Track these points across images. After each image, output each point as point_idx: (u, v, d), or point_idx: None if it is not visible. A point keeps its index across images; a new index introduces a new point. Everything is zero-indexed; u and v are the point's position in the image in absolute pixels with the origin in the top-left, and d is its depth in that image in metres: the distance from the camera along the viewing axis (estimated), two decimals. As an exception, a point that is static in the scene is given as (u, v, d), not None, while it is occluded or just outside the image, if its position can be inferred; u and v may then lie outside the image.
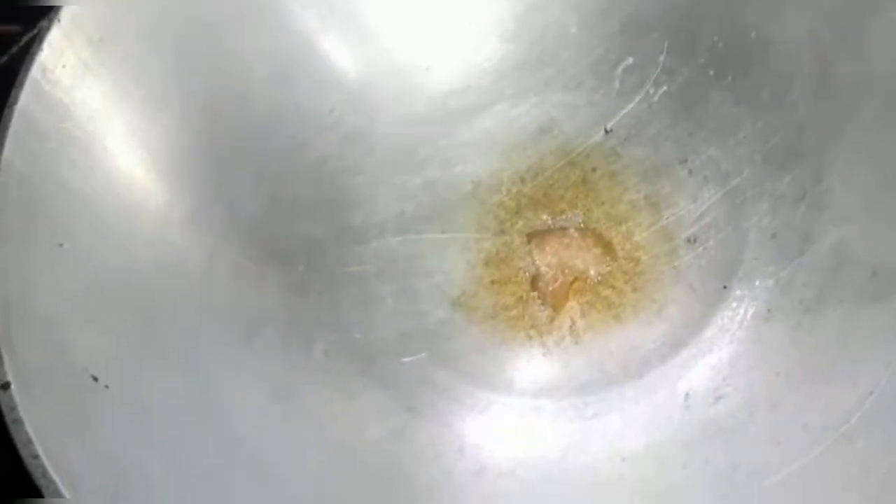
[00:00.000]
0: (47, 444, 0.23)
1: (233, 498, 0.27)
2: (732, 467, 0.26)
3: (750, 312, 0.31)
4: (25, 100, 0.28)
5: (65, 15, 0.30)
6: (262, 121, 0.38)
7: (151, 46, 0.33)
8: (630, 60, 0.38)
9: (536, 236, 0.37)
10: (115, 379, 0.27)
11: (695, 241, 0.34)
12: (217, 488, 0.27)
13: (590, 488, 0.28)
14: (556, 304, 0.35)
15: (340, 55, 0.39)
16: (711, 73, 0.36)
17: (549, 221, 0.37)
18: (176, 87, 0.35)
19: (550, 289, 0.36)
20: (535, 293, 0.35)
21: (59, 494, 0.22)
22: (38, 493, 0.22)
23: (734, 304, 0.32)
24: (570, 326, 0.34)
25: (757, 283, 0.32)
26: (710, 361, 0.31)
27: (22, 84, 0.29)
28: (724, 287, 0.32)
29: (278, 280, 0.35)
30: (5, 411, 0.23)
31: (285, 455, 0.29)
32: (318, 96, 0.38)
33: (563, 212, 0.37)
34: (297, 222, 0.37)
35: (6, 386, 0.24)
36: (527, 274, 0.36)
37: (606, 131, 0.38)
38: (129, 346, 0.29)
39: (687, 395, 0.30)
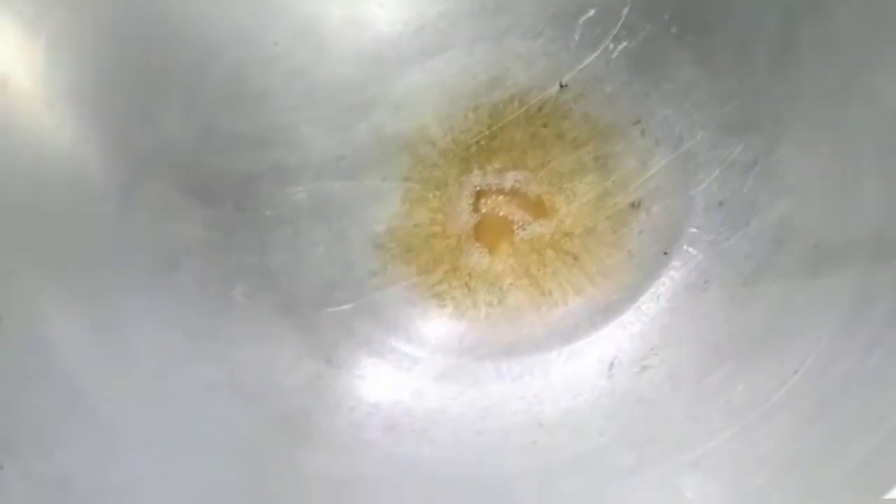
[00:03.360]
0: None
1: (136, 436, 0.26)
2: (647, 440, 0.25)
3: (687, 282, 0.30)
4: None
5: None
6: (198, 50, 0.35)
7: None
8: (592, 12, 0.36)
9: (479, 190, 0.35)
10: (12, 310, 0.25)
11: (639, 205, 0.33)
12: (120, 427, 0.26)
13: (500, 453, 0.27)
14: (492, 261, 0.34)
15: (287, -15, 0.37)
16: (674, 31, 0.35)
17: (495, 176, 0.35)
18: (104, 14, 0.32)
19: (488, 246, 0.34)
20: (472, 249, 0.34)
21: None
22: None
23: (672, 273, 0.30)
24: (503, 286, 0.33)
25: (698, 252, 0.31)
26: (640, 330, 0.29)
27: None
28: (665, 253, 0.30)
29: (204, 215, 0.33)
30: None
31: (194, 395, 0.28)
32: (261, 27, 0.36)
33: (509, 167, 0.35)
34: (229, 158, 0.35)
35: None
36: (466, 229, 0.35)
37: (561, 86, 0.36)
38: (32, 273, 0.27)
39: (612, 363, 0.29)
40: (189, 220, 0.33)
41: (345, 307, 0.33)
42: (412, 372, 0.31)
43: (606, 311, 0.30)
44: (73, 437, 0.25)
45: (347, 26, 0.38)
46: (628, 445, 0.25)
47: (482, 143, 0.36)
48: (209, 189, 0.34)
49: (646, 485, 0.23)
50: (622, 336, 0.29)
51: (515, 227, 0.34)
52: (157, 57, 0.34)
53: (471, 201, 0.35)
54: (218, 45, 0.36)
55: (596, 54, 0.36)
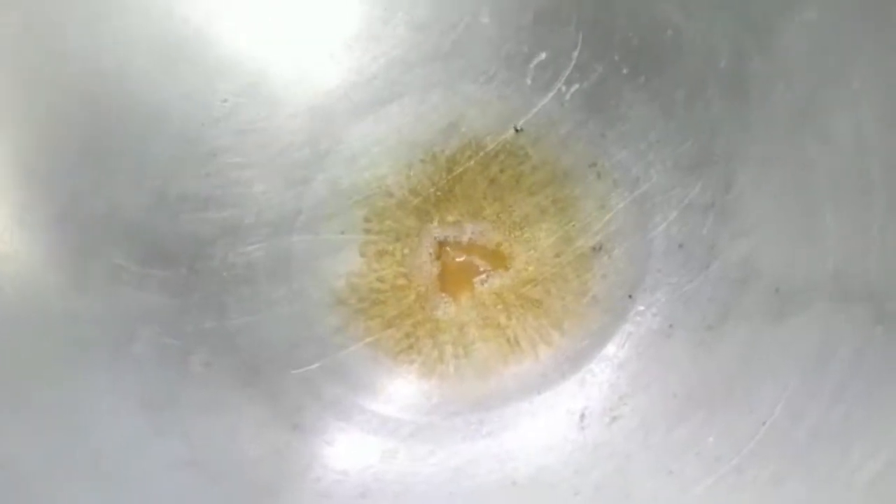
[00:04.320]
0: None
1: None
2: (624, 496, 0.25)
3: (652, 327, 0.30)
4: None
5: None
6: (146, 115, 0.35)
7: (16, 38, 0.30)
8: (543, 56, 0.36)
9: (440, 241, 0.35)
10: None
11: (600, 248, 0.33)
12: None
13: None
14: (457, 312, 0.33)
15: (234, 42, 0.36)
16: (625, 71, 0.35)
17: (454, 226, 0.35)
18: (44, 81, 0.32)
19: (452, 297, 0.34)
20: (435, 301, 0.34)
21: None
22: None
23: (637, 319, 0.30)
24: (470, 338, 0.32)
25: (661, 296, 0.30)
26: (608, 378, 0.29)
27: None
28: (630, 296, 0.30)
29: (159, 281, 0.33)
30: None
31: (155, 475, 0.27)
32: (209, 86, 0.36)
33: (468, 216, 0.35)
34: (182, 221, 0.34)
35: None
36: (428, 281, 0.34)
37: (516, 130, 0.36)
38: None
39: (583, 415, 0.28)
40: (144, 287, 0.32)
41: (309, 368, 0.32)
42: (381, 433, 0.30)
43: (574, 359, 0.30)
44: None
45: (297, 80, 0.37)
46: (605, 500, 0.25)
47: (440, 192, 0.36)
48: (163, 254, 0.33)
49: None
50: (591, 385, 0.29)
51: (478, 276, 0.34)
52: (102, 123, 0.34)
53: (431, 252, 0.35)
54: (164, 107, 0.35)
55: (549, 96, 0.35)
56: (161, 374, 0.30)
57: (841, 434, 0.21)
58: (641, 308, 0.30)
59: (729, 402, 0.25)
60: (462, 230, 0.35)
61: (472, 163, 0.36)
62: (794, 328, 0.25)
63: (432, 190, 0.36)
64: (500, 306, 0.33)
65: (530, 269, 0.33)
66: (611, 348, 0.30)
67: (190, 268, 0.34)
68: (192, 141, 0.36)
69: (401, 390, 0.31)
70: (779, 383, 0.24)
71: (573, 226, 0.33)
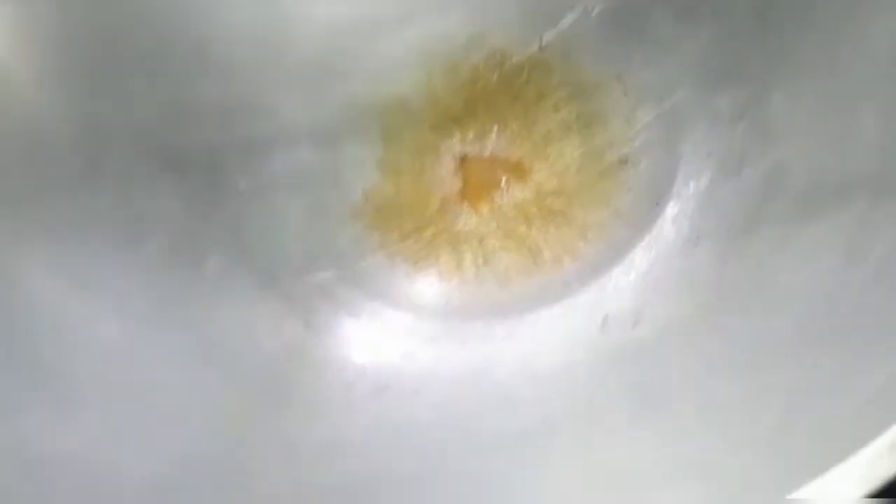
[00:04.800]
0: None
1: (103, 406, 0.24)
2: (648, 389, 0.24)
3: (678, 236, 0.29)
4: None
5: None
6: (162, 21, 0.34)
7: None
8: (568, -28, 0.36)
9: (461, 155, 0.34)
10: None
11: (626, 162, 0.32)
12: (84, 396, 0.24)
13: (498, 408, 0.26)
14: (478, 224, 0.33)
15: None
16: (653, -14, 0.34)
17: (476, 140, 0.34)
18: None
19: (473, 209, 0.33)
20: (455, 213, 0.33)
21: None
22: None
23: (662, 228, 0.30)
24: (490, 248, 0.32)
25: (688, 206, 0.30)
26: (633, 286, 0.29)
27: None
28: (657, 204, 0.29)
29: (173, 189, 0.32)
30: None
31: (164, 363, 0.26)
32: (228, -3, 0.35)
33: (490, 130, 0.34)
34: (197, 129, 0.34)
35: None
36: (448, 194, 0.33)
37: (541, 46, 0.35)
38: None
39: (605, 319, 0.28)
40: (157, 193, 0.32)
41: (325, 275, 0.31)
42: (398, 336, 0.29)
43: (597, 268, 0.29)
44: (34, 404, 0.23)
45: (318, -6, 0.36)
46: (628, 395, 0.24)
47: (461, 107, 0.35)
48: (178, 162, 0.33)
49: (646, 432, 0.22)
50: (614, 292, 0.28)
51: (500, 189, 0.33)
52: (121, 27, 0.33)
53: (451, 166, 0.34)
54: (181, 15, 0.35)
55: (575, 13, 0.35)
56: (173, 273, 0.30)
57: (871, 322, 0.21)
58: (667, 218, 0.30)
59: (759, 299, 0.25)
60: (483, 145, 0.34)
61: (494, 77, 0.35)
62: (828, 228, 0.25)
63: (453, 105, 0.35)
64: (521, 218, 0.32)
65: (553, 182, 0.33)
66: (635, 257, 0.29)
67: (206, 178, 0.33)
68: (207, 50, 0.35)
69: (419, 296, 0.31)
70: (810, 278, 0.24)
71: (598, 140, 0.33)
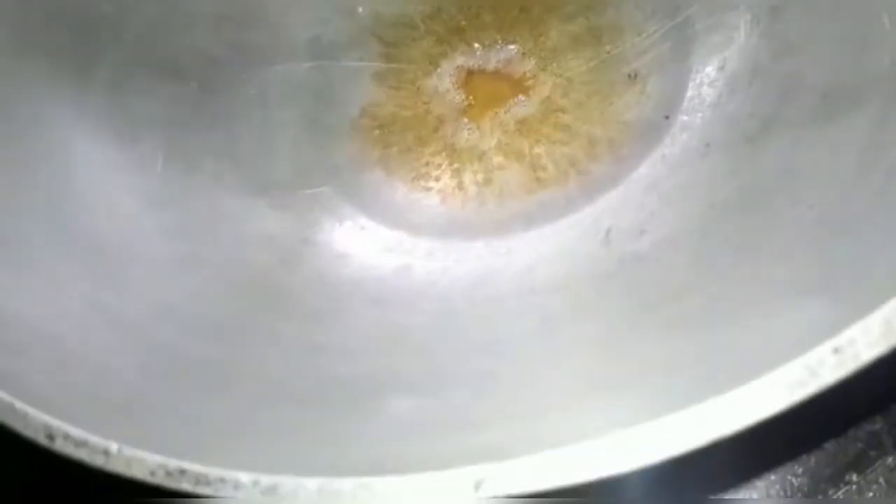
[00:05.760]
0: None
1: (90, 296, 0.24)
2: (652, 295, 0.23)
3: (688, 147, 0.28)
4: None
5: None
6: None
7: None
8: None
9: (464, 69, 0.33)
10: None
11: (636, 76, 0.31)
12: (75, 302, 0.24)
13: (495, 320, 0.25)
14: (480, 139, 0.32)
15: None
16: None
17: (482, 53, 0.33)
18: None
19: (475, 125, 0.32)
20: (457, 129, 0.32)
21: None
22: None
23: (670, 141, 0.29)
24: (493, 164, 0.31)
25: (698, 118, 0.29)
26: (638, 198, 0.28)
27: None
28: (666, 118, 0.28)
29: (168, 93, 0.31)
30: None
31: (154, 269, 0.26)
32: None
33: (497, 42, 0.33)
34: (192, 35, 0.33)
35: None
36: (451, 109, 0.32)
37: (550, -43, 0.34)
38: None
39: (609, 230, 0.27)
40: (152, 96, 0.31)
41: (321, 189, 0.31)
42: (396, 251, 0.29)
43: (602, 183, 0.28)
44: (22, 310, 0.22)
45: None
46: (631, 300, 0.23)
47: (466, 18, 0.34)
48: (173, 66, 0.32)
49: (645, 333, 0.22)
50: (618, 205, 0.27)
51: (505, 104, 0.32)
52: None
53: (454, 80, 0.33)
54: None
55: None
56: (166, 176, 0.29)
57: (887, 217, 0.20)
58: (676, 131, 0.29)
59: (770, 202, 0.24)
60: (488, 58, 0.33)
61: (501, -10, 0.34)
62: (844, 128, 0.23)
63: (457, 16, 0.34)
64: (525, 133, 0.31)
65: (558, 96, 0.31)
66: (642, 170, 0.28)
67: (200, 84, 0.32)
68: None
69: (417, 213, 0.30)
70: (824, 179, 0.23)
71: (608, 54, 0.31)
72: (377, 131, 0.32)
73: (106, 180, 0.27)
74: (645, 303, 0.23)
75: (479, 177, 0.31)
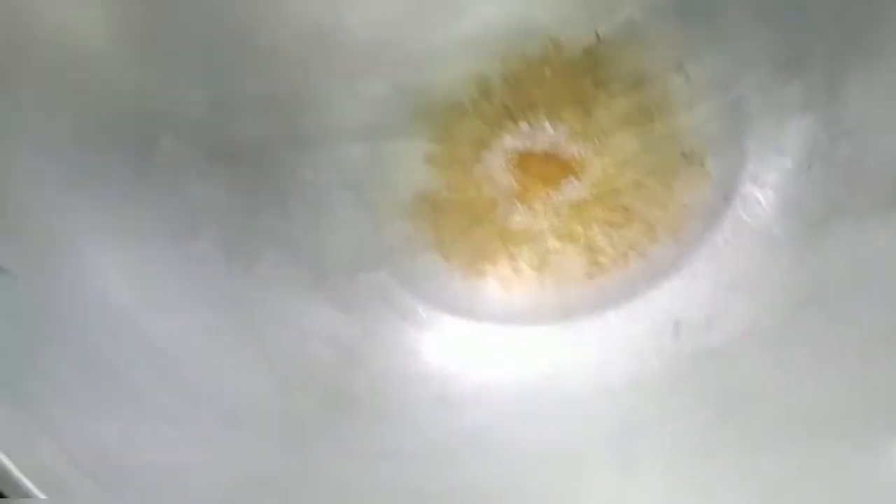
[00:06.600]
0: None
1: (163, 409, 0.24)
2: (735, 393, 0.23)
3: (752, 231, 0.28)
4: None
5: None
6: (211, 9, 0.33)
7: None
8: (623, -39, 0.34)
9: (514, 149, 0.33)
10: (24, 266, 0.23)
11: (690, 155, 0.31)
12: (134, 397, 0.24)
13: (570, 420, 0.24)
14: (534, 222, 0.32)
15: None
16: (713, -28, 0.33)
17: (531, 133, 0.33)
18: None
19: (528, 207, 0.32)
20: (509, 211, 0.32)
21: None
22: None
23: (732, 224, 0.28)
24: (548, 248, 0.31)
25: (759, 200, 0.29)
26: (704, 285, 0.27)
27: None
28: (725, 199, 0.28)
29: (224, 179, 0.31)
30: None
31: (218, 371, 0.26)
32: (273, -16, 0.34)
33: (545, 122, 0.33)
34: (245, 122, 0.33)
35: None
36: (501, 190, 0.32)
37: (598, 36, 0.34)
38: (46, 229, 0.25)
39: (677, 321, 0.26)
40: (208, 184, 0.31)
41: (377, 274, 0.31)
42: (459, 343, 0.28)
43: (664, 267, 0.28)
44: (101, 403, 0.22)
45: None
46: (707, 401, 0.23)
47: (514, 99, 0.34)
48: (227, 152, 0.32)
49: (732, 438, 0.21)
50: (684, 292, 0.27)
51: (556, 185, 0.32)
52: (165, 15, 0.32)
53: (504, 161, 0.33)
54: (230, 4, 0.34)
55: (633, 3, 0.34)
56: (227, 273, 0.29)
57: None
58: (737, 213, 0.28)
59: (843, 294, 0.23)
60: (537, 139, 0.33)
61: (548, 69, 0.34)
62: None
63: (506, 98, 0.34)
64: (579, 215, 0.31)
65: (612, 176, 0.31)
66: (704, 254, 0.28)
67: (255, 169, 0.32)
68: (256, 42, 0.34)
69: (476, 299, 0.30)
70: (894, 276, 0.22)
71: (660, 133, 0.31)
72: (430, 214, 0.32)
73: (167, 282, 0.27)
74: (725, 407, 0.22)
75: (535, 261, 0.31)
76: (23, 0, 0.28)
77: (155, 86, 0.31)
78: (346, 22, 0.35)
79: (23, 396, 0.21)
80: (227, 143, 0.32)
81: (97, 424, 0.22)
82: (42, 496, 0.18)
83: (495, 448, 0.24)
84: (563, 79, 0.34)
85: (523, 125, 0.33)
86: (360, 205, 0.32)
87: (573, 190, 0.32)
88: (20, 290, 0.23)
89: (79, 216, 0.27)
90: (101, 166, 0.29)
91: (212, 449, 0.23)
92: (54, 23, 0.29)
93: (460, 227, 0.32)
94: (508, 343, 0.28)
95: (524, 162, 0.33)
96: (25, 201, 0.25)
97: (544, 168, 0.32)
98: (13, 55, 0.27)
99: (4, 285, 0.23)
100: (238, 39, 0.33)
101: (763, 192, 0.29)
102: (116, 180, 0.28)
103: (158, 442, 0.23)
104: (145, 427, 0.23)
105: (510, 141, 0.33)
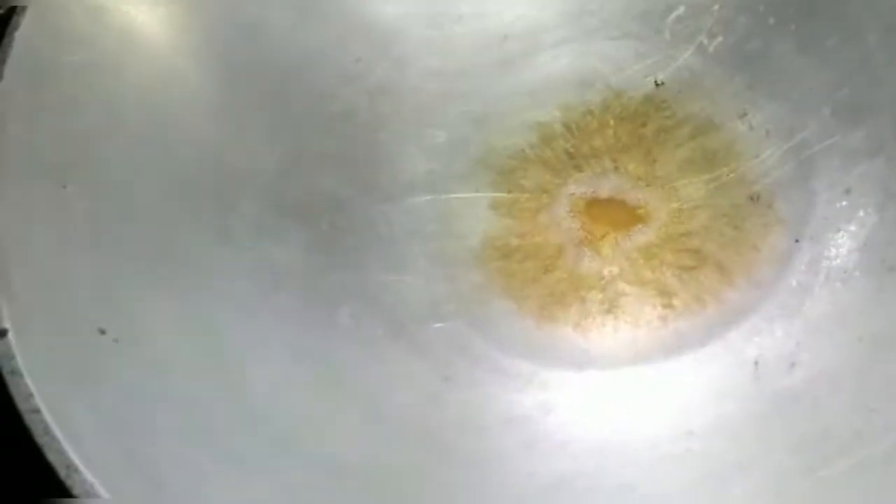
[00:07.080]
0: (50, 399, 0.20)
1: (250, 464, 0.24)
2: (819, 438, 0.23)
3: (826, 274, 0.28)
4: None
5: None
6: (279, 72, 0.35)
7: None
8: (681, 10, 0.35)
9: (580, 197, 0.34)
10: (124, 332, 0.24)
11: (758, 199, 0.31)
12: (234, 454, 0.24)
13: (653, 464, 0.25)
14: (604, 267, 0.32)
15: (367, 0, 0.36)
16: (772, 21, 0.34)
17: (596, 180, 0.34)
18: (187, 36, 0.32)
19: (597, 253, 0.33)
20: (578, 257, 0.33)
21: (61, 452, 0.19)
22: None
23: (805, 266, 0.29)
24: (620, 293, 0.31)
25: (830, 242, 0.29)
26: (780, 327, 0.28)
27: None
28: (796, 241, 0.29)
29: (301, 238, 0.32)
30: (2, 362, 0.20)
31: (309, 421, 0.27)
32: (344, 44, 0.36)
33: (610, 170, 0.34)
34: (319, 179, 0.34)
35: (3, 333, 0.21)
36: (568, 237, 0.33)
37: (657, 84, 0.35)
38: (138, 295, 0.26)
39: (756, 363, 0.27)
40: (286, 241, 0.32)
41: (453, 322, 0.31)
42: (535, 386, 0.29)
43: (740, 311, 0.29)
44: (188, 461, 0.23)
45: (429, 41, 0.37)
46: (796, 447, 0.23)
47: (577, 145, 0.35)
48: (303, 210, 0.33)
49: (825, 485, 0.22)
50: (762, 335, 0.28)
51: (624, 231, 0.32)
52: (237, 78, 0.34)
53: (569, 208, 0.34)
54: (299, 66, 0.36)
55: (690, 51, 0.35)
56: (310, 326, 0.30)
57: None
58: (810, 255, 0.29)
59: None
60: (601, 185, 0.34)
61: (609, 117, 0.35)
62: None
63: (569, 146, 0.35)
64: (650, 259, 0.31)
65: (680, 221, 0.32)
66: (780, 296, 0.28)
67: (330, 225, 0.33)
68: (324, 100, 0.36)
69: (550, 344, 0.30)
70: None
71: (725, 177, 0.32)
72: (500, 261, 0.33)
73: (249, 338, 0.28)
74: (814, 451, 0.23)
75: (606, 305, 0.31)
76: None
77: (232, 143, 0.33)
78: (412, 77, 0.36)
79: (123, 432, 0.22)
80: (299, 203, 0.33)
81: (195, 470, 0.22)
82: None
83: (581, 493, 0.24)
84: (625, 126, 0.34)
85: (587, 172, 0.34)
86: (433, 257, 0.33)
87: (640, 235, 0.32)
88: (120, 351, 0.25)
89: (161, 274, 0.28)
90: (184, 225, 0.30)
91: (310, 500, 0.24)
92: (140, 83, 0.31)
93: (530, 273, 0.33)
94: (586, 387, 0.28)
95: (590, 208, 0.33)
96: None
97: (611, 213, 0.33)
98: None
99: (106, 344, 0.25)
100: (310, 101, 0.35)
101: (836, 233, 0.29)
102: (198, 246, 0.29)
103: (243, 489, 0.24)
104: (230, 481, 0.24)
105: (575, 188, 0.34)
